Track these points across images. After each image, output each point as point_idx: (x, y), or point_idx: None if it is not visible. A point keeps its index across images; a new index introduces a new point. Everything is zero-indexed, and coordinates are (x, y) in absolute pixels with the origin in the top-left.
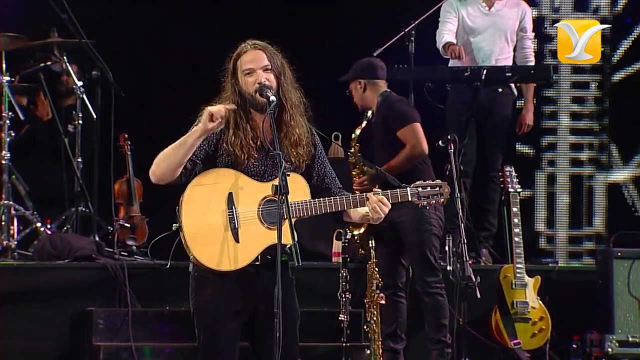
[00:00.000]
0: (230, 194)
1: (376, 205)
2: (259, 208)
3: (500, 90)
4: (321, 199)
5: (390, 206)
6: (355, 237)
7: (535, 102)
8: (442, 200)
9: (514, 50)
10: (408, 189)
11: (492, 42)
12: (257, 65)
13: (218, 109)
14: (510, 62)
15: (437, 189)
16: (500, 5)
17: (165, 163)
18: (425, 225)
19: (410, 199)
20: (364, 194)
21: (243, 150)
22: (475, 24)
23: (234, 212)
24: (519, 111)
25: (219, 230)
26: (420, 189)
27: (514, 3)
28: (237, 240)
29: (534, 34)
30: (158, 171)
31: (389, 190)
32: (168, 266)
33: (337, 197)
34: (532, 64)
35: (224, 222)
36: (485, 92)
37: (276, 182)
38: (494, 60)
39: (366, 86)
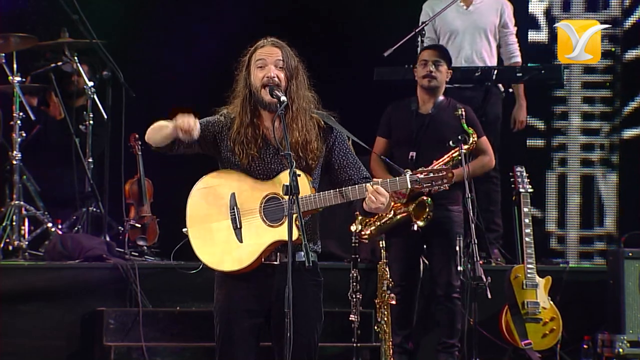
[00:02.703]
0: (232, 194)
1: (372, 195)
2: (260, 207)
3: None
4: (321, 192)
5: (387, 195)
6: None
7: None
8: (447, 185)
9: (499, 47)
10: (407, 176)
11: (472, 41)
12: (270, 59)
13: (187, 123)
14: (494, 61)
15: (440, 174)
16: (478, 3)
17: (152, 132)
18: (461, 230)
19: (409, 187)
20: (364, 184)
21: (244, 148)
22: (454, 25)
23: (236, 212)
24: (511, 109)
25: (223, 232)
26: (421, 176)
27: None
28: (240, 240)
29: (516, 28)
30: (148, 137)
31: (388, 179)
32: (197, 270)
33: (338, 189)
34: (519, 59)
35: (227, 223)
36: (476, 93)
37: (280, 179)
38: (477, 60)
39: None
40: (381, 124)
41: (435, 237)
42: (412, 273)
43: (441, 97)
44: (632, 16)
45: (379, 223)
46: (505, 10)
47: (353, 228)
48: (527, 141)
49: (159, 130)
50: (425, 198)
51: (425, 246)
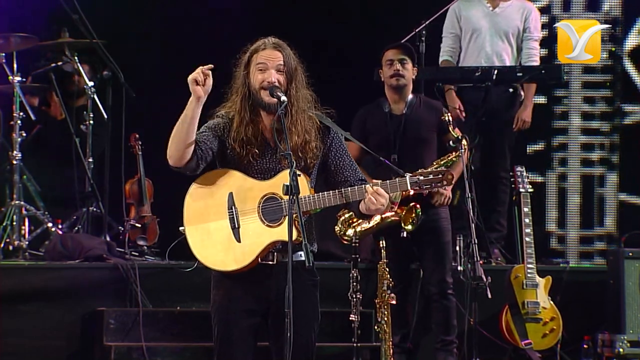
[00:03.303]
0: (230, 194)
1: (372, 197)
2: (259, 206)
3: (511, 90)
4: (321, 193)
5: (387, 197)
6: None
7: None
8: (446, 187)
9: (519, 51)
10: (407, 177)
11: (493, 42)
12: (272, 64)
13: (196, 71)
14: (512, 64)
15: (440, 175)
16: (505, 5)
17: (174, 142)
18: (449, 226)
19: (409, 188)
20: (363, 185)
21: (243, 147)
22: (479, 24)
23: (234, 212)
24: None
25: (221, 231)
26: (420, 177)
27: (519, 3)
28: (238, 240)
29: (541, 35)
30: (170, 152)
31: (387, 181)
32: (192, 268)
33: (338, 190)
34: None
35: (225, 222)
36: (493, 93)
37: (279, 180)
38: (496, 61)
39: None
40: (354, 129)
41: (424, 235)
42: (407, 274)
43: (411, 95)
44: (634, 27)
45: (365, 226)
46: (530, 16)
47: (337, 229)
48: (527, 141)
49: (181, 127)
50: (416, 205)
51: (416, 247)
